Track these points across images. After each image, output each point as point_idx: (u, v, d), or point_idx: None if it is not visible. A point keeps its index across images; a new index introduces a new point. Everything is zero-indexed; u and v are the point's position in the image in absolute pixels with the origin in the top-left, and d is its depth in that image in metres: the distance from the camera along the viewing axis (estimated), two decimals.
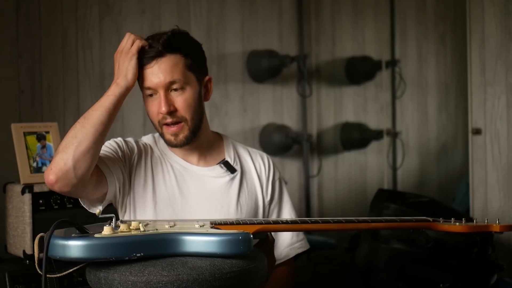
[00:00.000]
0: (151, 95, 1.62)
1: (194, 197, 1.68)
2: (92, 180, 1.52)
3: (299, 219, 1.51)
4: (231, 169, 1.72)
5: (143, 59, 1.59)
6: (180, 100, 1.60)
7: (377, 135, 3.85)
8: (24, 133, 2.09)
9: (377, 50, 3.94)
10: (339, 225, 1.47)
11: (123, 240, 1.26)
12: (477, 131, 3.05)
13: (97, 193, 1.58)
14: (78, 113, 2.74)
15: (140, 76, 1.61)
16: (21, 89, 2.57)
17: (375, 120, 3.96)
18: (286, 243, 1.78)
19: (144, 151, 1.71)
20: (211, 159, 1.74)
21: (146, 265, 1.25)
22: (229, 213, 1.68)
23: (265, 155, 1.83)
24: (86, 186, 1.51)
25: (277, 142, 3.40)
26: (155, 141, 1.76)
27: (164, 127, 1.63)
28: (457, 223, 1.51)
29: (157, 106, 1.60)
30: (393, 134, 3.97)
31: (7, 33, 2.53)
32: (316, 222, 1.47)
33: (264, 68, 3.33)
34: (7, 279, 1.96)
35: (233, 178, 1.72)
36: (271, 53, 3.36)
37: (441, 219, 1.55)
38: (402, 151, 3.95)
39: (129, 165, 1.66)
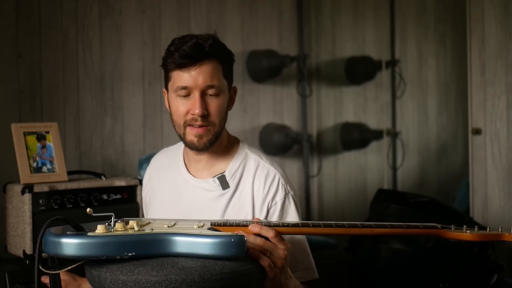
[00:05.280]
0: (184, 96, 1.61)
1: (189, 208, 1.69)
2: None
3: (300, 223, 1.47)
4: (224, 184, 1.68)
5: (180, 60, 1.58)
6: (214, 105, 1.61)
7: (377, 135, 3.85)
8: (24, 133, 2.08)
9: (377, 50, 3.94)
10: (342, 230, 1.42)
11: (115, 240, 1.26)
12: (477, 131, 3.05)
13: None
14: (78, 113, 2.74)
15: (172, 75, 1.61)
16: (21, 89, 2.57)
17: (375, 120, 3.96)
18: None
19: (148, 175, 1.87)
20: (214, 170, 1.71)
21: (137, 264, 1.25)
22: None
23: (272, 174, 1.69)
24: None
25: (277, 142, 3.39)
26: (178, 147, 1.83)
27: (189, 128, 1.63)
28: (468, 231, 1.40)
29: (190, 107, 1.60)
30: (393, 134, 3.97)
31: (7, 33, 2.53)
32: (318, 225, 1.42)
33: (264, 68, 3.33)
34: (7, 279, 1.95)
35: (222, 195, 1.67)
36: (271, 53, 3.36)
37: (452, 226, 1.43)
38: (402, 151, 3.95)
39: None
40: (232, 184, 1.68)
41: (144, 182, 1.92)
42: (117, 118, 2.85)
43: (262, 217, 1.65)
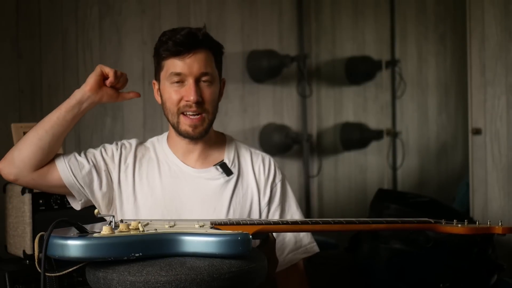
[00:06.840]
0: (177, 82, 1.63)
1: (188, 200, 1.68)
2: (42, 174, 1.62)
3: (299, 220, 1.51)
4: (227, 171, 1.71)
5: (175, 48, 1.60)
6: (208, 92, 1.64)
7: (377, 135, 3.85)
8: (24, 133, 2.08)
9: (377, 50, 3.94)
10: (339, 226, 1.46)
11: (122, 240, 1.26)
12: (477, 131, 3.05)
13: (55, 189, 1.67)
14: None
15: (165, 63, 1.64)
16: (21, 89, 2.57)
17: (375, 120, 3.96)
18: (289, 249, 1.76)
19: (133, 153, 1.72)
20: (210, 159, 1.73)
21: (145, 265, 1.25)
22: (221, 216, 1.68)
23: (267, 157, 1.79)
24: (30, 177, 1.59)
25: (277, 142, 3.39)
26: (157, 142, 1.78)
27: (182, 117, 1.65)
28: (459, 225, 1.49)
29: (184, 94, 1.62)
30: (393, 134, 3.97)
31: (7, 33, 2.53)
32: (316, 223, 1.46)
33: (264, 68, 3.33)
34: (7, 279, 1.95)
35: (228, 181, 1.70)
36: (271, 53, 3.36)
37: (443, 221, 1.52)
38: (402, 151, 3.95)
39: (109, 169, 1.69)
40: (234, 170, 1.72)
41: (115, 150, 1.72)
42: (117, 118, 2.85)
43: (266, 199, 1.74)
